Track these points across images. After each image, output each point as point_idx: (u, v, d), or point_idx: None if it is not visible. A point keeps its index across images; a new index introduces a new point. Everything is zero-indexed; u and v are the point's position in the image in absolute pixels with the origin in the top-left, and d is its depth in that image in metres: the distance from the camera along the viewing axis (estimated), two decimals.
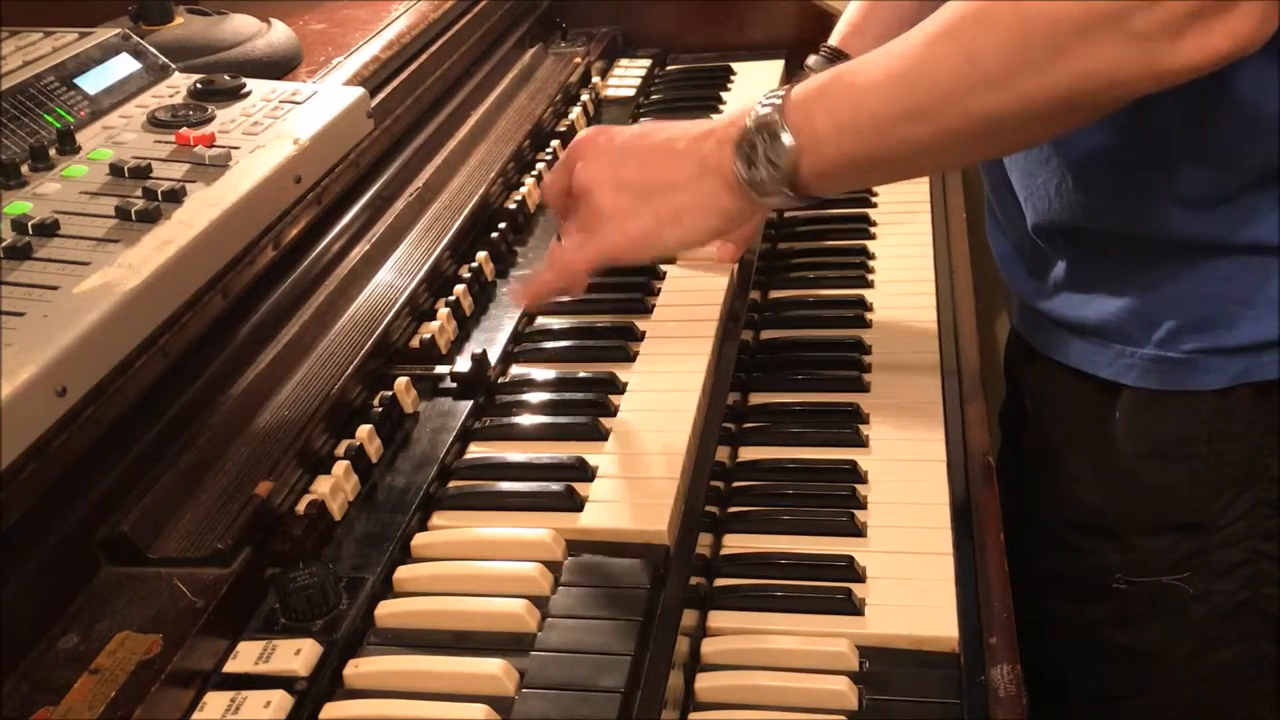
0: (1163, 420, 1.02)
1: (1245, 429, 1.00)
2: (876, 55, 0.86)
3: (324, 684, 0.78)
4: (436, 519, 0.94)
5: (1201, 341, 0.98)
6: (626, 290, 1.21)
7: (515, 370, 1.11)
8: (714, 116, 0.94)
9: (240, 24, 1.30)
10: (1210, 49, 0.75)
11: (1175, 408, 1.01)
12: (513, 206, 1.33)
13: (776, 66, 1.74)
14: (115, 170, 0.99)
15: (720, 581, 0.94)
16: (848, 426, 1.08)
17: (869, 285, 1.30)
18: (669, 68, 1.80)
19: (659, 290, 1.22)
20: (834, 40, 1.29)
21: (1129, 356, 1.02)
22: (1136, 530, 1.06)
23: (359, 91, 1.17)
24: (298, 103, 1.12)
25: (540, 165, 1.41)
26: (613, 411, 1.04)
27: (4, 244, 0.87)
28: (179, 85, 1.14)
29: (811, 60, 1.29)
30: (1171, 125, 0.94)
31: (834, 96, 0.87)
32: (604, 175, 0.98)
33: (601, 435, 1.01)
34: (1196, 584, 1.04)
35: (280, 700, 0.75)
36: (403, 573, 0.88)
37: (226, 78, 1.14)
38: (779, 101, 0.89)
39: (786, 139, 0.87)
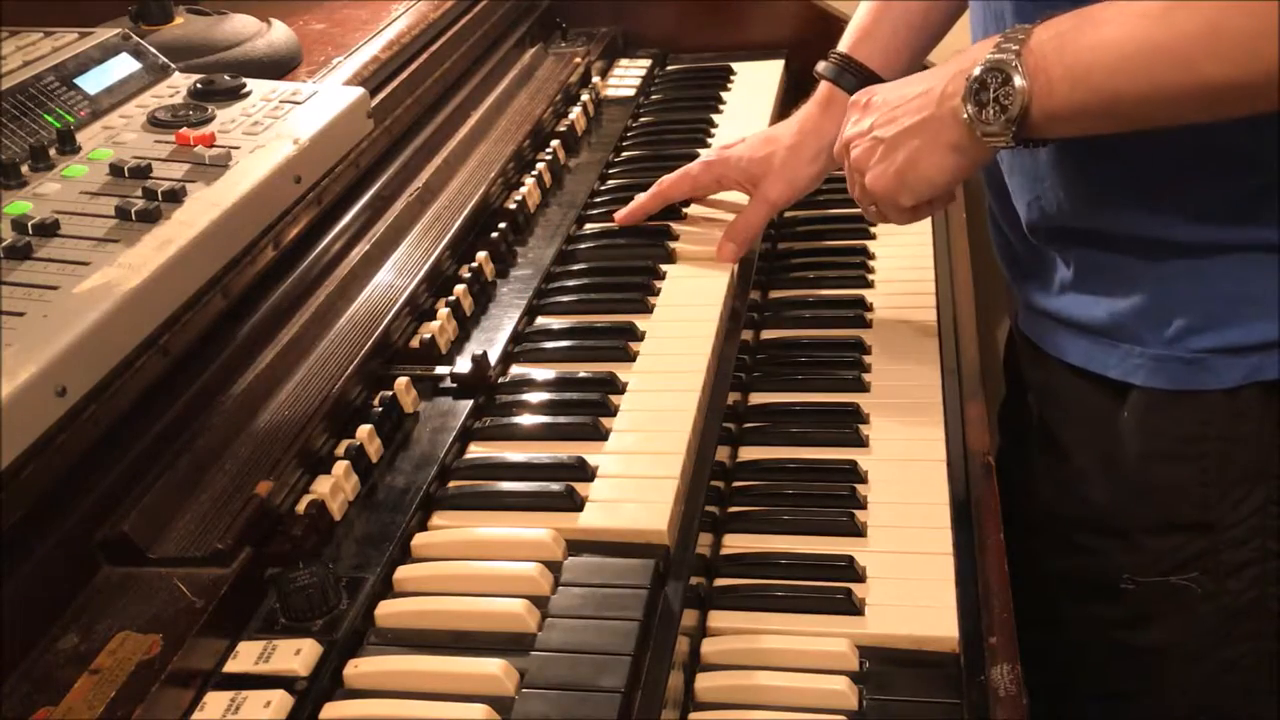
0: (1171, 420, 1.02)
1: (1255, 428, 1.00)
2: (1117, 10, 0.87)
3: (324, 684, 0.78)
4: (436, 519, 0.94)
5: (1211, 341, 0.98)
6: (626, 290, 1.21)
7: (515, 370, 1.11)
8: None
9: (240, 24, 1.30)
10: None
11: (1184, 407, 1.01)
12: (513, 206, 1.33)
13: (776, 66, 1.74)
14: (115, 170, 0.99)
15: (720, 581, 0.94)
16: (848, 426, 1.08)
17: (869, 285, 1.30)
18: (669, 68, 1.80)
19: (659, 290, 1.22)
20: (844, 46, 1.28)
21: (1137, 356, 1.02)
22: (1144, 530, 1.06)
23: (359, 91, 1.17)
24: (298, 103, 1.12)
25: (540, 165, 1.41)
26: (613, 411, 1.04)
27: (4, 244, 0.87)
28: (179, 85, 1.14)
29: (821, 66, 1.28)
30: (1182, 128, 0.93)
31: (1073, 48, 0.89)
32: (856, 132, 1.07)
33: (601, 435, 1.01)
34: (1205, 583, 1.04)
35: (280, 700, 0.75)
36: (403, 573, 0.88)
37: (226, 78, 1.14)
38: (1017, 47, 0.91)
39: (1019, 82, 0.90)
